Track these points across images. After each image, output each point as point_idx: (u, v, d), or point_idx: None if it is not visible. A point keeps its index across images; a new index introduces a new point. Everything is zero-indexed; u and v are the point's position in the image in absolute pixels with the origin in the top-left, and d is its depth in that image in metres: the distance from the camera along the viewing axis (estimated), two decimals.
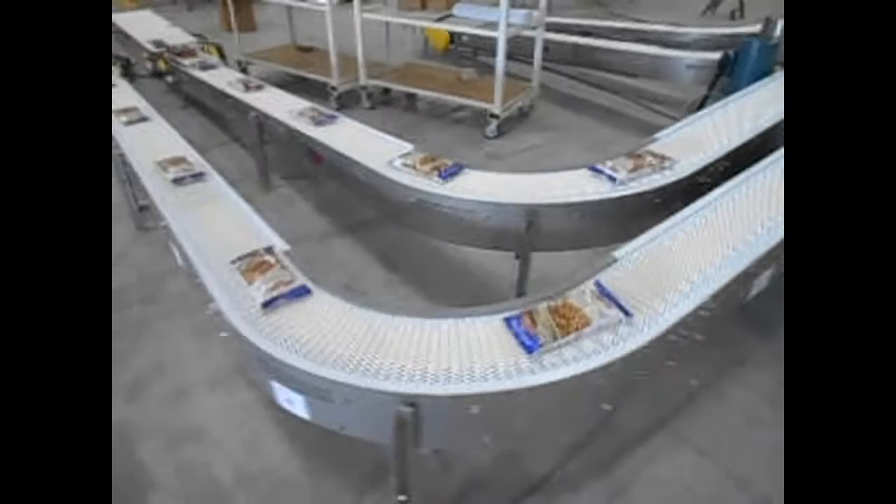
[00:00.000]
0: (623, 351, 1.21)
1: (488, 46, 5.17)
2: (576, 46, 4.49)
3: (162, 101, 4.63)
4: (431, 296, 2.40)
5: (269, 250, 1.64)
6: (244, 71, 5.10)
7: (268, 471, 1.66)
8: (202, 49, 4.39)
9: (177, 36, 4.86)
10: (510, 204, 1.87)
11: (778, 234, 1.58)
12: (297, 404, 1.28)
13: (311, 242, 2.75)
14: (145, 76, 4.71)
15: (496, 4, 3.41)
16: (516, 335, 1.25)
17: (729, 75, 2.67)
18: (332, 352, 1.22)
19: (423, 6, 4.08)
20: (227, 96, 3.23)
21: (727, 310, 1.53)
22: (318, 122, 2.66)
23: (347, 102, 4.44)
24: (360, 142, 2.41)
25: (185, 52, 4.21)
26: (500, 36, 3.50)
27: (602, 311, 1.30)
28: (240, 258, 1.59)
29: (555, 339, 1.22)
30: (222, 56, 5.17)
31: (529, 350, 1.21)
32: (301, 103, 2.95)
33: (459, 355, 1.20)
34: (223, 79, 3.47)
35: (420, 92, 4.20)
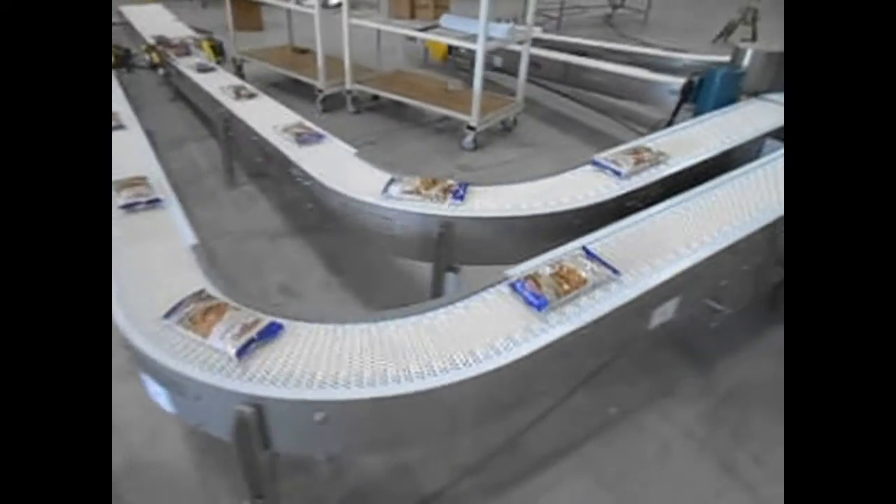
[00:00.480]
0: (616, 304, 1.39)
1: (485, 59, 5.19)
2: (566, 65, 4.48)
3: (154, 94, 4.74)
4: (368, 301, 2.38)
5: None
6: (239, 69, 5.19)
7: (160, 463, 1.65)
8: (196, 45, 4.45)
9: (178, 31, 4.95)
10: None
11: (680, 265, 1.54)
12: (161, 397, 1.27)
13: (263, 240, 2.76)
14: (144, 67, 4.81)
15: (493, 18, 3.42)
16: (524, 297, 1.38)
17: (693, 101, 2.63)
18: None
19: (412, 15, 4.11)
20: (201, 92, 3.26)
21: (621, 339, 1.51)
22: (302, 141, 2.40)
23: (334, 106, 4.48)
24: (345, 168, 2.21)
25: (178, 46, 4.28)
26: (479, 49, 3.50)
27: (594, 269, 1.47)
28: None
29: (558, 296, 1.37)
30: (220, 53, 5.26)
31: (539, 308, 1.34)
32: (288, 117, 2.71)
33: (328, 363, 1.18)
34: (215, 81, 3.36)
35: (399, 98, 4.21)
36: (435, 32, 3.82)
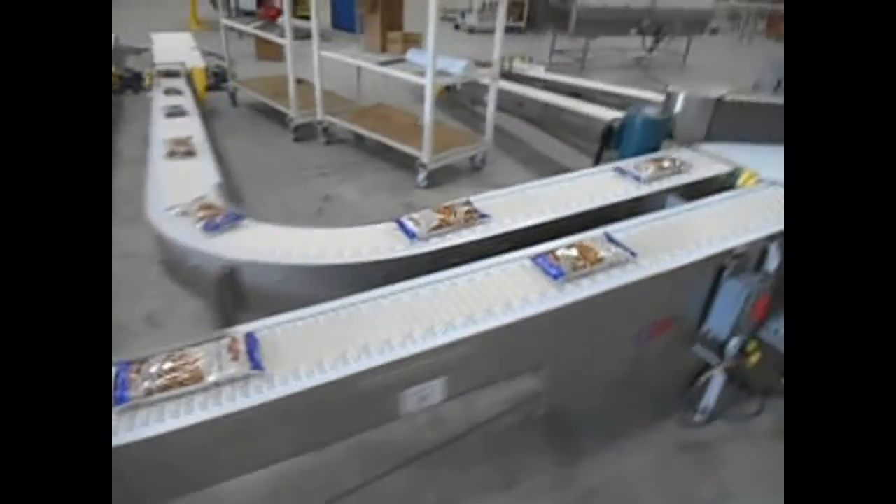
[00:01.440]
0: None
1: (480, 95, 5.07)
2: (545, 105, 4.26)
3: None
4: None
5: None
6: (232, 96, 5.33)
7: None
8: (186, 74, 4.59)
9: (193, 58, 5.12)
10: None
11: (467, 329, 1.27)
12: None
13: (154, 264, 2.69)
14: (147, 90, 5.03)
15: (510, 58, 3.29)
16: (543, 268, 1.44)
17: (615, 147, 2.36)
18: None
19: (383, 48, 4.06)
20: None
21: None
22: (209, 228, 1.66)
23: (310, 135, 4.47)
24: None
25: (170, 73, 4.42)
26: (427, 84, 3.37)
27: (612, 250, 1.50)
28: None
29: (575, 269, 1.43)
30: (224, 80, 5.45)
31: (556, 277, 1.41)
32: (208, 193, 1.93)
33: None
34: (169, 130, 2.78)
35: (359, 131, 4.14)
36: (399, 67, 3.73)
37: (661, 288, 1.51)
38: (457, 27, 10.91)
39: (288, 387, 1.09)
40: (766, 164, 2.13)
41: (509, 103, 4.82)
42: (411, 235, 1.64)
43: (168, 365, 1.09)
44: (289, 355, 1.16)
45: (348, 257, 1.55)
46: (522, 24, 11.12)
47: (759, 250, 1.67)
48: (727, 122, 2.33)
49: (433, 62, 3.28)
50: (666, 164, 2.06)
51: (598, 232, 1.61)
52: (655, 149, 2.30)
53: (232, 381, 1.08)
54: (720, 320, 1.64)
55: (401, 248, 1.60)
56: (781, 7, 13.85)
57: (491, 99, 3.92)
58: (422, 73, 3.51)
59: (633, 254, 1.50)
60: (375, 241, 1.62)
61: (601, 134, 2.37)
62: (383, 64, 3.76)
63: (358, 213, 3.38)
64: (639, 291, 1.46)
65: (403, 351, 1.19)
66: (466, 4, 11.38)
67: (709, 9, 8.37)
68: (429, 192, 3.70)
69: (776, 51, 7.24)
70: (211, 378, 1.07)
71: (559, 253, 1.49)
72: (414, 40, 4.07)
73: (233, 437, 1.07)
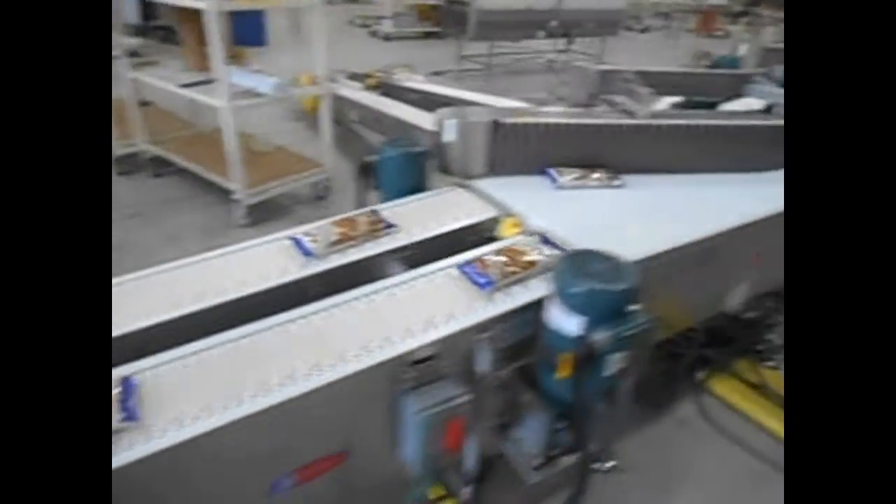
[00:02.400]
0: None
1: (346, 111, 4.59)
2: (398, 121, 3.81)
3: None
4: None
5: None
6: None
7: None
8: None
9: None
10: None
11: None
12: None
13: None
14: None
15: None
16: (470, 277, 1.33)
17: (376, 188, 1.89)
18: None
19: (204, 67, 3.52)
20: None
21: None
22: None
23: (134, 168, 3.89)
24: None
25: None
26: (223, 105, 2.86)
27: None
28: None
29: (504, 277, 1.31)
30: None
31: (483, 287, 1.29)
32: None
33: None
34: None
35: (177, 161, 3.61)
36: (205, 88, 3.20)
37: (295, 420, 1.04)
38: (373, 34, 10.41)
39: (166, 439, 0.92)
40: (542, 204, 1.70)
41: (371, 120, 4.37)
42: (307, 253, 1.45)
43: None
44: (173, 400, 1.00)
45: (232, 292, 1.32)
46: (441, 29, 10.69)
47: (468, 346, 1.22)
48: (515, 150, 1.89)
49: (226, 80, 2.79)
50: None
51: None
52: (419, 189, 1.84)
53: None
54: (410, 452, 1.17)
55: (295, 270, 1.40)
56: (713, 4, 13.83)
57: (324, 117, 3.44)
58: (245, 94, 3.01)
59: None
60: (264, 266, 1.41)
61: (357, 172, 1.90)
62: (188, 85, 3.23)
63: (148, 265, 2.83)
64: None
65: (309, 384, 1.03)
66: (385, 10, 10.89)
67: (620, 8, 8.06)
68: (250, 231, 3.19)
69: (702, 45, 6.96)
70: None
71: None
72: (238, 56, 3.56)
73: None
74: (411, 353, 1.13)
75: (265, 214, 3.33)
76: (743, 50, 4.10)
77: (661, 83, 2.29)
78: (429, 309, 1.24)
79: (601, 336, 1.06)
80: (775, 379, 2.30)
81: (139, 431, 0.93)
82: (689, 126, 1.97)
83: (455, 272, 1.39)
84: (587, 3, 7.55)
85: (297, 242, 1.48)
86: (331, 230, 1.52)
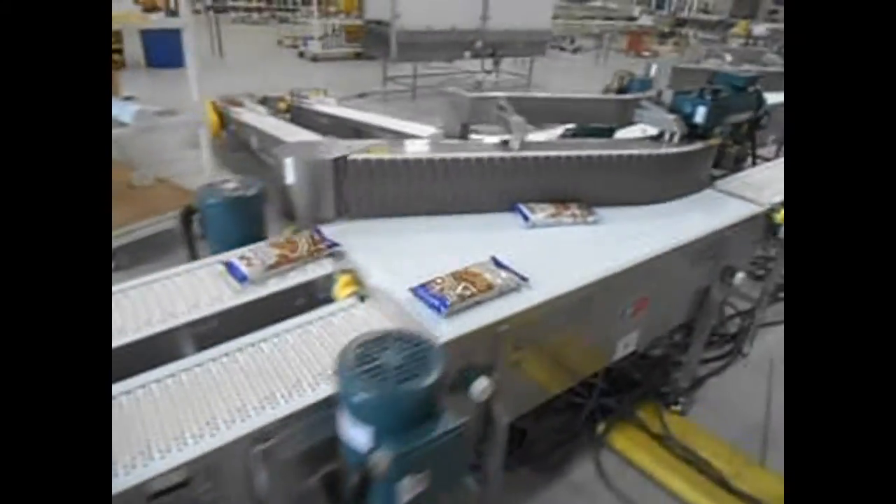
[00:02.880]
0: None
1: (265, 143, 4.26)
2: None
3: None
4: None
5: None
6: None
7: None
8: None
9: None
10: None
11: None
12: None
13: None
14: None
15: None
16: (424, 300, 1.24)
17: (202, 237, 1.61)
18: None
19: None
20: None
21: None
22: None
23: None
24: None
25: None
26: None
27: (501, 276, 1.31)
28: None
29: (462, 300, 1.23)
30: None
31: (438, 309, 1.20)
32: None
33: None
34: None
35: None
36: None
37: None
38: (301, 55, 10.11)
39: None
40: (392, 254, 1.45)
41: (270, 147, 4.05)
42: (241, 278, 1.35)
43: None
44: None
45: (157, 325, 1.19)
46: (362, 50, 10.49)
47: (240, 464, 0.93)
48: (370, 190, 1.64)
49: None
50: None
51: None
52: (256, 237, 1.56)
53: None
54: None
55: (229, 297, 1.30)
56: (641, 25, 14.27)
57: (203, 144, 3.11)
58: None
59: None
60: (194, 295, 1.31)
61: (180, 220, 1.60)
62: None
63: None
64: None
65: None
66: (314, 31, 10.62)
67: (545, 29, 8.09)
68: (120, 274, 2.79)
69: (630, 66, 7.05)
70: None
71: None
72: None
73: None
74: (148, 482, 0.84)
75: (144, 254, 2.97)
76: (653, 71, 4.07)
77: (545, 110, 2.11)
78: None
79: (383, 456, 0.80)
80: (680, 425, 2.12)
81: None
82: (561, 158, 1.78)
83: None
84: (512, 24, 7.52)
85: (231, 267, 1.38)
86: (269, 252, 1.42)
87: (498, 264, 1.42)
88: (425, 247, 1.54)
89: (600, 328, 1.61)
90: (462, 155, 1.71)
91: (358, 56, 9.84)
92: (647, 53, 13.26)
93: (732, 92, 2.21)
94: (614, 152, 1.87)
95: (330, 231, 1.58)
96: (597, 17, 14.33)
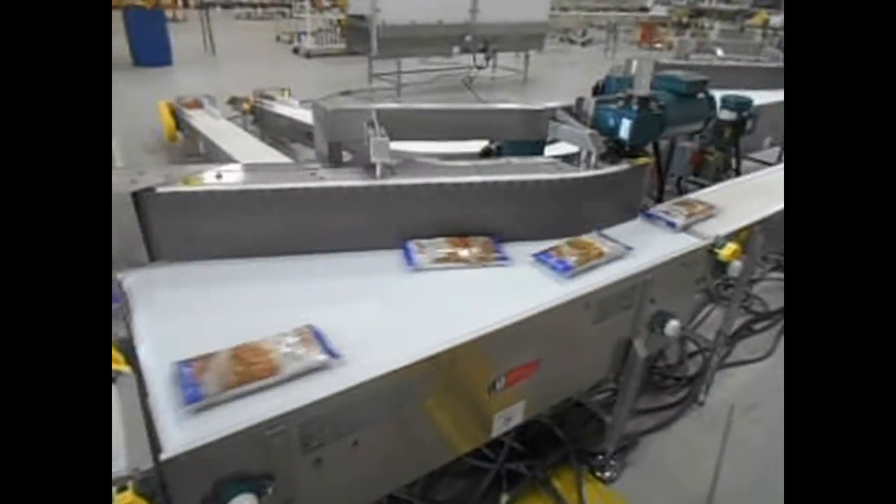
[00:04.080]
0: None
1: (210, 150, 4.02)
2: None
3: None
4: None
5: None
6: None
7: None
8: None
9: None
10: None
11: None
12: None
13: None
14: None
15: None
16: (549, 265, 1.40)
17: None
18: None
19: None
20: None
21: None
22: None
23: None
24: None
25: None
26: None
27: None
28: None
29: (580, 264, 1.41)
30: None
31: (564, 271, 1.38)
32: None
33: None
34: None
35: None
36: None
37: None
38: (295, 51, 9.87)
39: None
40: (185, 315, 1.16)
41: (215, 155, 3.80)
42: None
43: None
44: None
45: None
46: (346, 46, 10.21)
47: None
48: (194, 229, 1.35)
49: None
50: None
51: None
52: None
53: None
54: None
55: None
56: (655, 16, 13.67)
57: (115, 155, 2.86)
58: None
59: None
60: None
61: None
62: None
63: None
64: None
65: None
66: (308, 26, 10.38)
67: (541, 21, 7.67)
68: None
69: (637, 57, 6.66)
70: None
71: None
72: None
73: None
74: None
75: None
76: (634, 68, 3.68)
77: (444, 124, 1.78)
78: None
79: None
80: (602, 499, 1.79)
81: None
82: (445, 185, 1.46)
83: None
84: (504, 17, 7.15)
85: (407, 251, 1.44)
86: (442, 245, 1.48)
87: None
88: (238, 303, 1.24)
89: (460, 406, 1.29)
90: (299, 185, 1.39)
91: (352, 52, 9.59)
92: (659, 45, 12.68)
93: (674, 99, 1.85)
94: (515, 178, 1.54)
95: (132, 279, 1.30)
96: (611, 9, 13.79)
